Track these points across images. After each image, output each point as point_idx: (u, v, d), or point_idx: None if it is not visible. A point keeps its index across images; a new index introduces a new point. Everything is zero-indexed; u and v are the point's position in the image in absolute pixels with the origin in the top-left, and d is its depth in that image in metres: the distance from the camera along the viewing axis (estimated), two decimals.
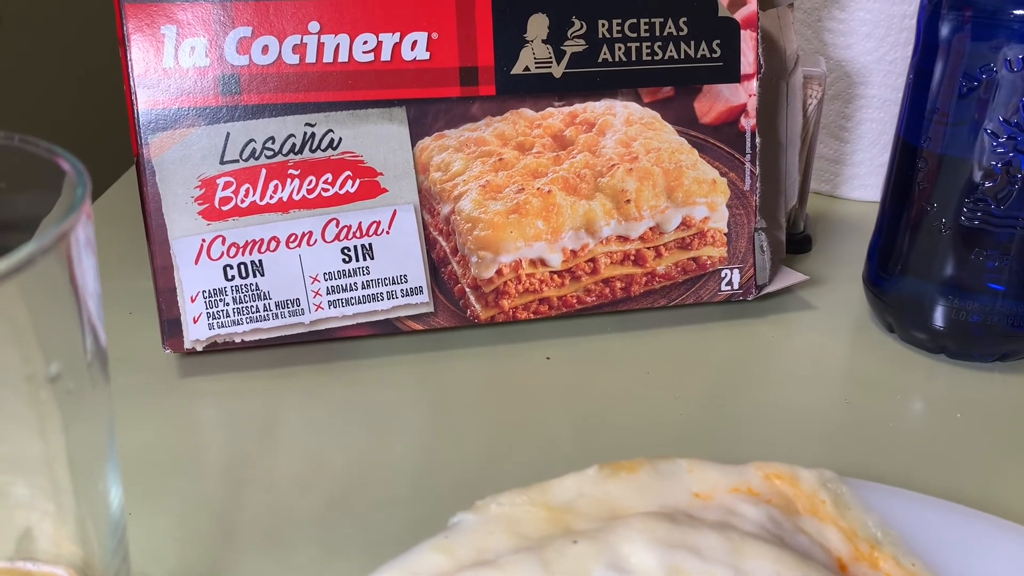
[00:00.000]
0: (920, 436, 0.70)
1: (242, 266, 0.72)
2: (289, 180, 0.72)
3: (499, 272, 0.77)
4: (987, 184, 0.70)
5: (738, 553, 0.48)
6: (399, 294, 0.76)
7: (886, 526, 0.54)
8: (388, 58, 0.72)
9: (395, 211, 0.74)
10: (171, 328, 0.73)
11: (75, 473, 0.46)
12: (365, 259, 0.74)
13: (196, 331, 0.72)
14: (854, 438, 0.69)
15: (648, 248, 0.79)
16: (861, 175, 1.06)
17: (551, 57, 0.75)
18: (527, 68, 0.75)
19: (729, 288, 0.81)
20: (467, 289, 0.77)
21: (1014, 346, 0.76)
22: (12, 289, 0.35)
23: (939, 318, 0.76)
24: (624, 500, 0.54)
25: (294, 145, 0.72)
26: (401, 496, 0.62)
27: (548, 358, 0.78)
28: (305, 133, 0.72)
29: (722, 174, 0.80)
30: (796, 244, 0.94)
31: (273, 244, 0.72)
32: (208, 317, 0.72)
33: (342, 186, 0.73)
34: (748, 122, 0.80)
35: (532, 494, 0.56)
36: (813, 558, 0.50)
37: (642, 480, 0.56)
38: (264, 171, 0.71)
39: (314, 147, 0.72)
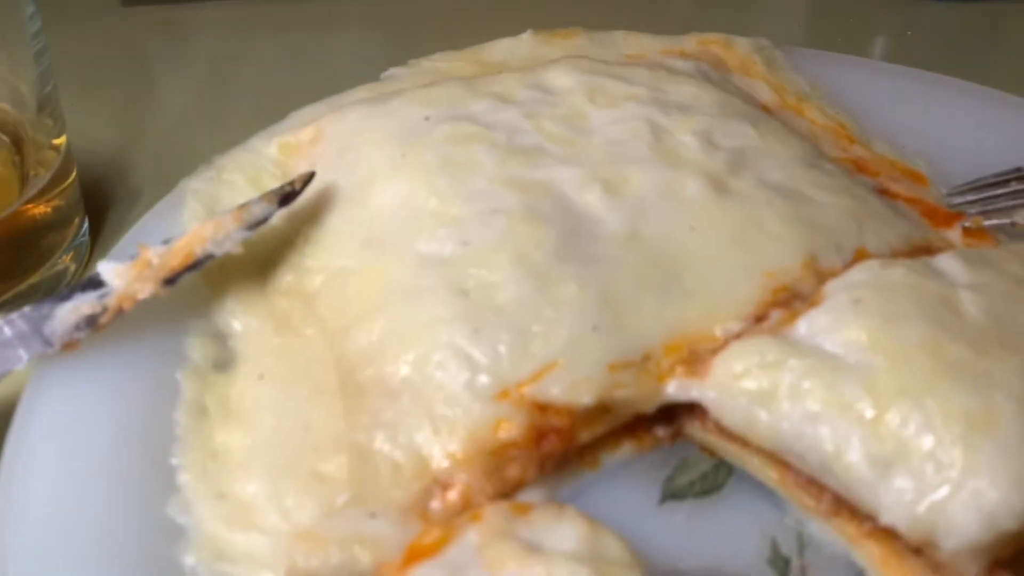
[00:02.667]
0: None
1: None
2: None
3: None
4: None
5: (661, 80, 0.49)
6: None
7: (816, 83, 0.55)
8: None
9: None
10: None
11: None
12: None
13: None
14: None
15: None
16: None
17: None
18: None
19: None
20: None
21: None
22: None
23: None
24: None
25: None
26: None
27: None
28: None
29: None
30: None
31: None
32: None
33: None
34: None
35: (465, 54, 0.56)
36: (736, 98, 0.51)
37: (576, 45, 0.57)
38: None
39: None
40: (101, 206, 0.55)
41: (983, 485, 0.31)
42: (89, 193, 0.54)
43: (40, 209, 0.49)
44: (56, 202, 0.49)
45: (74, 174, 0.51)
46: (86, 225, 0.53)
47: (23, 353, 0.37)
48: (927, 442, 0.32)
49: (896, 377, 0.34)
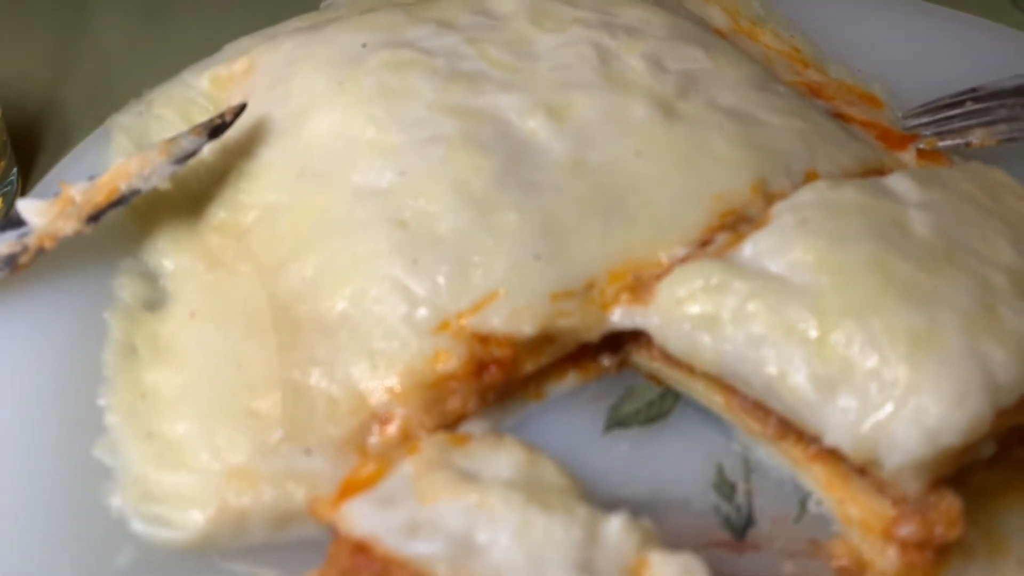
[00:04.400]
0: None
1: None
2: None
3: None
4: None
5: (609, 3, 0.48)
6: None
7: (771, 7, 0.54)
8: None
9: None
10: None
11: None
12: None
13: None
14: None
15: None
16: None
17: None
18: None
19: None
20: None
21: None
22: None
23: None
24: None
25: None
26: None
27: None
28: None
29: None
30: None
31: None
32: None
33: None
34: None
35: None
36: (687, 21, 0.49)
37: None
38: None
39: None
40: (31, 148, 0.54)
41: (926, 402, 0.30)
42: (18, 135, 0.53)
43: None
44: None
45: None
46: (15, 168, 0.51)
47: None
48: (871, 361, 0.32)
49: (842, 297, 0.33)
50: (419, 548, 0.27)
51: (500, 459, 0.30)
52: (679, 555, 0.27)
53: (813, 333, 0.33)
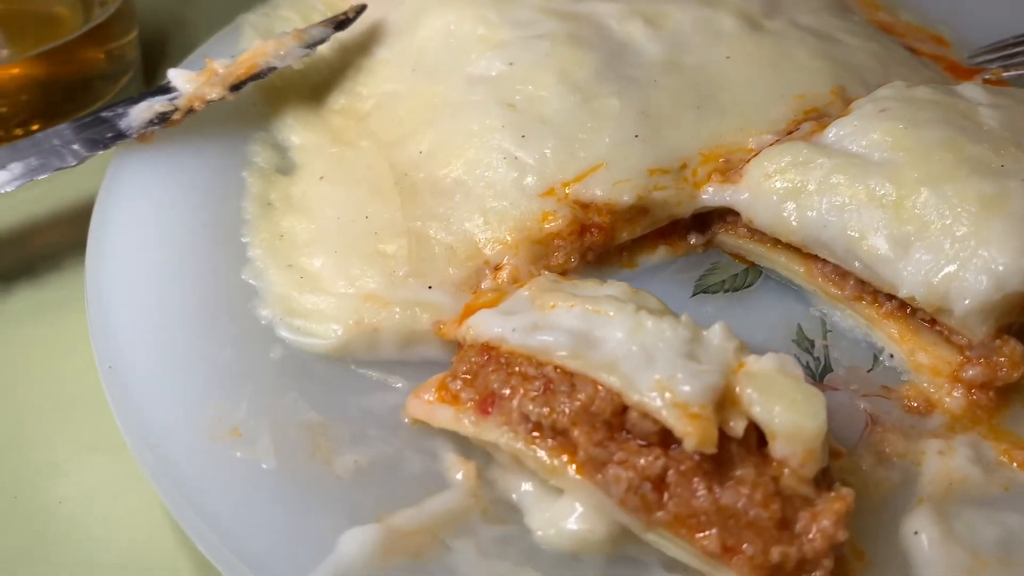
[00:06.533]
0: None
1: None
2: None
3: None
4: None
5: None
6: None
7: None
8: None
9: None
10: None
11: None
12: None
13: None
14: None
15: None
16: None
17: None
18: None
19: None
20: None
21: None
22: None
23: None
24: None
25: None
26: None
27: None
28: None
29: None
30: None
31: None
32: None
33: None
34: None
35: None
36: None
37: None
38: None
39: None
40: (155, 61, 0.59)
41: (994, 253, 0.35)
42: (145, 48, 0.58)
43: (92, 54, 0.52)
44: (113, 51, 0.53)
45: (134, 33, 0.55)
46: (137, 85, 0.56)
47: (70, 158, 0.42)
48: (945, 220, 0.36)
49: (917, 169, 0.38)
50: (542, 338, 0.32)
51: (607, 288, 0.35)
52: (773, 354, 0.32)
53: (891, 198, 0.37)
